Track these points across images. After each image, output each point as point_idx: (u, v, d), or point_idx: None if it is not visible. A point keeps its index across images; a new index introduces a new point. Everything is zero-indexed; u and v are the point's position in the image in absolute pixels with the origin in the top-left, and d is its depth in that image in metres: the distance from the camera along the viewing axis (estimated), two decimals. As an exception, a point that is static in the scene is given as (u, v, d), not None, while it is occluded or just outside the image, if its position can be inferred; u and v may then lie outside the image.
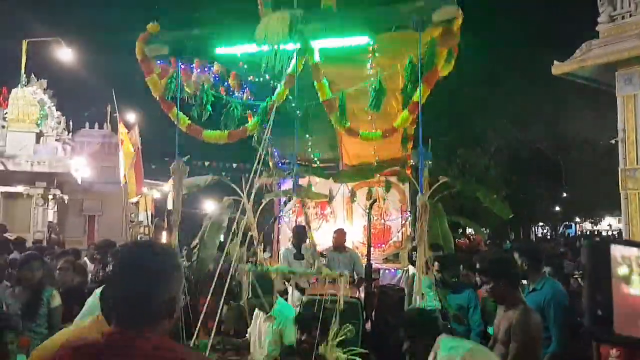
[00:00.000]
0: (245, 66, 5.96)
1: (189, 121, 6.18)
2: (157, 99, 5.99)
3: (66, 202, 18.06)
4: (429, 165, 9.51)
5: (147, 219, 18.11)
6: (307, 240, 8.12)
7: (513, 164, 26.30)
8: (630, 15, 11.44)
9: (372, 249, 9.04)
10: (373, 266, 8.50)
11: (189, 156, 5.85)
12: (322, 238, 8.94)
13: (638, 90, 11.24)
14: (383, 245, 9.22)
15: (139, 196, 18.77)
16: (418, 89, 4.82)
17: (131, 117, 20.47)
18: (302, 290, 6.82)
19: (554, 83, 14.31)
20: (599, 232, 29.93)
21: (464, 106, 24.92)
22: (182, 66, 6.02)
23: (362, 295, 6.23)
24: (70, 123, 18.91)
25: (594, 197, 24.11)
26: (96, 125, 20.71)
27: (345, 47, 5.28)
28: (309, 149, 8.95)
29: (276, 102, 5.57)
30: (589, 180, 22.87)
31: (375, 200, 6.45)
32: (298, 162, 9.33)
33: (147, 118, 21.51)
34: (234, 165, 17.50)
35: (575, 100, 20.90)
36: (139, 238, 16.68)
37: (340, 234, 7.71)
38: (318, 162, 9.25)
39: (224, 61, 6.24)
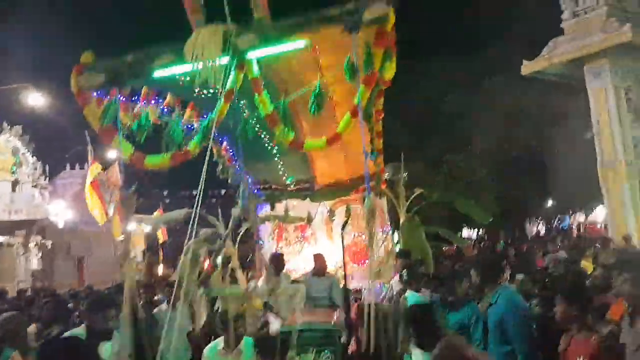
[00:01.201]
0: (182, 83, 5.75)
1: (132, 149, 5.96)
2: (97, 130, 5.76)
3: (49, 247, 17.89)
4: (404, 178, 9.54)
5: (137, 256, 17.94)
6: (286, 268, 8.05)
7: (501, 163, 26.33)
8: (593, 10, 11.56)
9: (355, 266, 9.00)
10: (356, 285, 8.43)
11: (136, 184, 5.66)
12: (304, 262, 8.86)
13: (607, 83, 11.31)
14: (366, 262, 9.12)
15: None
16: (358, 92, 4.77)
17: (112, 154, 20.40)
18: (282, 318, 6.73)
19: (533, 80, 14.38)
20: (590, 225, 29.96)
21: (447, 112, 25.01)
22: (122, 99, 5.83)
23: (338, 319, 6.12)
24: (47, 168, 18.80)
25: (584, 188, 24.11)
26: (77, 166, 20.61)
27: (284, 52, 5.22)
28: (281, 174, 8.89)
29: (217, 119, 5.45)
30: (577, 172, 22.88)
31: (347, 221, 6.39)
32: (273, 187, 9.29)
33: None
34: (215, 191, 17.39)
35: (556, 94, 20.97)
36: (133, 275, 16.50)
37: (319, 259, 7.62)
38: (293, 185, 9.18)
39: (163, 82, 6.06)
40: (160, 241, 20.44)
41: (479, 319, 4.89)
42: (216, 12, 5.00)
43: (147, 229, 20.10)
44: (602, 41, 10.96)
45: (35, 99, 16.42)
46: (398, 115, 20.01)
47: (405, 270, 6.34)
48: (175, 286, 6.86)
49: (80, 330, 5.67)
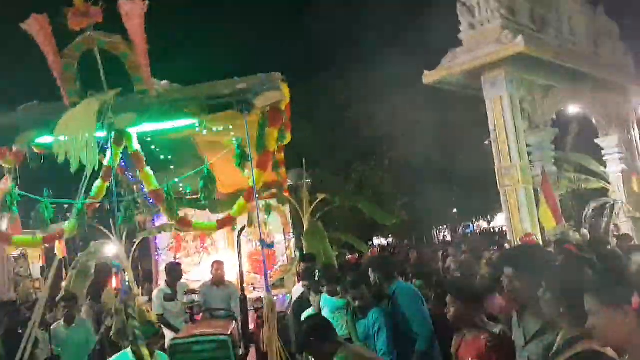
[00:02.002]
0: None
1: None
2: None
3: None
4: (308, 184, 9.41)
5: (34, 273, 16.77)
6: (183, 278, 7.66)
7: (407, 173, 26.98)
8: (488, 22, 12.01)
9: (257, 276, 8.73)
10: (258, 295, 8.16)
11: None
12: (204, 272, 8.49)
13: (503, 92, 11.77)
14: (269, 272, 8.85)
15: (22, 248, 17.25)
16: (251, 174, 4.56)
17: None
18: (176, 331, 6.36)
19: (435, 91, 14.75)
20: (494, 229, 31.38)
21: (355, 122, 25.33)
22: None
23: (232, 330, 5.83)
24: None
25: (485, 196, 25.12)
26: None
27: (169, 129, 4.91)
28: (179, 186, 8.47)
29: (96, 198, 5.05)
30: (478, 180, 23.81)
31: (243, 228, 6.11)
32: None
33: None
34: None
35: (458, 105, 21.72)
36: (30, 292, 15.32)
37: (217, 267, 7.31)
38: (190, 194, 8.77)
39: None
40: (59, 257, 19.19)
41: (382, 328, 4.67)
42: (92, 82, 4.64)
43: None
44: (497, 52, 11.39)
45: None
46: (304, 125, 20.06)
47: (319, 271, 6.08)
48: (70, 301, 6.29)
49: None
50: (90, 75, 4.73)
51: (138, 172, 4.93)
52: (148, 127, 4.80)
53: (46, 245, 6.82)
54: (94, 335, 6.57)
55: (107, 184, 5.10)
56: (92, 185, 5.66)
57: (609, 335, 2.00)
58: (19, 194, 5.32)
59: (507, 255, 3.17)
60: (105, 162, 4.85)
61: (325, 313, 5.52)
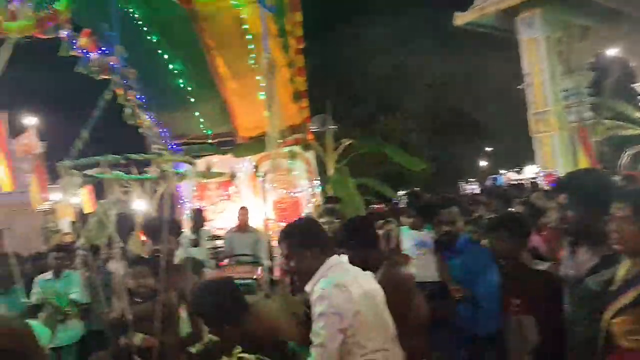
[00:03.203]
0: None
1: None
2: None
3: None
4: (332, 131, 9.07)
5: (64, 228, 16.89)
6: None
7: (434, 124, 26.42)
8: (525, -43, 11.29)
9: (282, 224, 8.52)
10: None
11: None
12: (227, 220, 8.32)
13: (539, 33, 11.18)
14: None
15: (51, 202, 17.33)
16: None
17: (30, 120, 18.86)
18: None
19: (463, 39, 14.12)
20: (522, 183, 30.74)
21: (379, 72, 24.63)
22: None
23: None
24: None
25: (515, 146, 24.48)
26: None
27: None
28: (200, 125, 8.21)
29: None
30: (508, 130, 23.17)
31: (266, 174, 5.85)
32: (190, 140, 8.62)
33: (52, 120, 20.01)
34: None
35: (485, 52, 20.89)
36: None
37: (242, 213, 7.11)
38: (212, 139, 8.51)
39: None
40: (87, 211, 19.36)
41: (486, 269, 3.43)
42: None
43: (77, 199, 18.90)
44: (535, -11, 10.78)
45: None
46: (326, 77, 19.49)
47: (408, 196, 5.54)
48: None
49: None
50: None
51: None
52: None
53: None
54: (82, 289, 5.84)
55: None
56: None
57: None
58: None
59: (561, 182, 2.82)
60: None
61: (407, 249, 4.64)
